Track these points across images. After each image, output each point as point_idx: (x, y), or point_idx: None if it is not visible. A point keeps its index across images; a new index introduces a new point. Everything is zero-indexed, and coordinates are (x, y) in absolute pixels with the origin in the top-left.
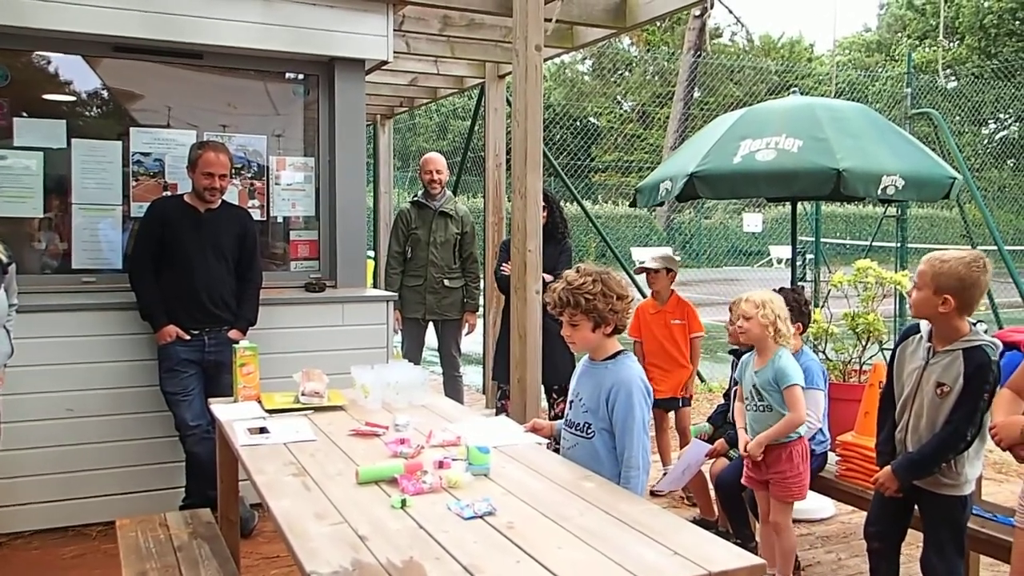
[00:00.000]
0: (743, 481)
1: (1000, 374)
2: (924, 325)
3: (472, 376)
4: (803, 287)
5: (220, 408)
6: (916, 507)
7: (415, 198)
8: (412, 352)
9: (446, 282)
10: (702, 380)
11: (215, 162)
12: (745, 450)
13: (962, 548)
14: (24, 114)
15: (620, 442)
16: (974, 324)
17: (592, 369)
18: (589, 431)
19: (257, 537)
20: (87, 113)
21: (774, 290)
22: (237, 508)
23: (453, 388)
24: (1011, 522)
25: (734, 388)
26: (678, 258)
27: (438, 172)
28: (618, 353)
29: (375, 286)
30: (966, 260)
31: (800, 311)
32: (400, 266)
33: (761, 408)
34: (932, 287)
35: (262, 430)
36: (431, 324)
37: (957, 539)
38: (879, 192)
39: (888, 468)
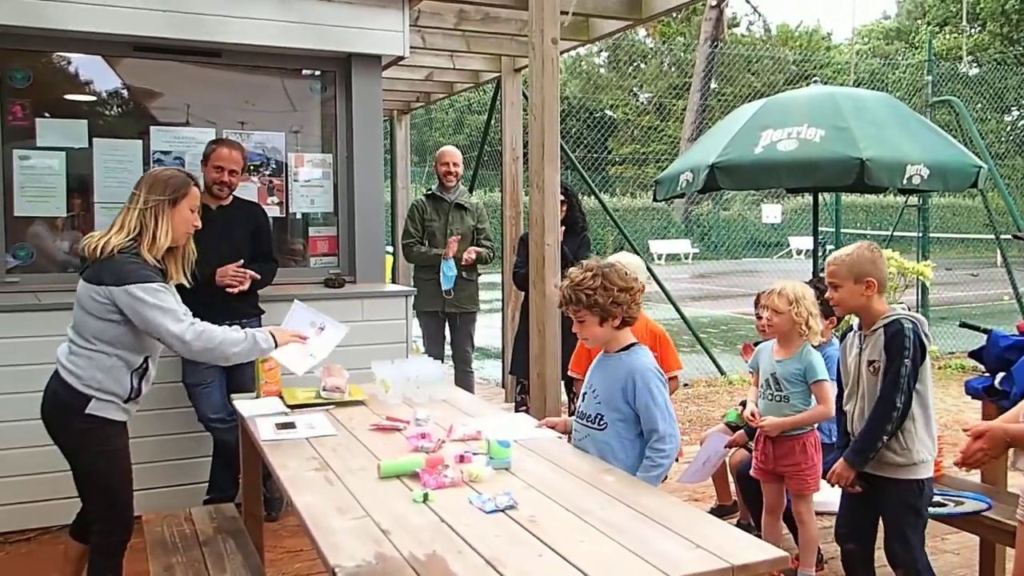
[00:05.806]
0: (752, 473)
1: (924, 345)
2: (856, 321)
3: (491, 370)
4: (823, 278)
5: (242, 403)
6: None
7: (429, 191)
8: (433, 347)
9: (463, 274)
10: (722, 373)
11: (226, 157)
12: (754, 419)
13: (923, 534)
14: (46, 114)
15: (649, 422)
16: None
17: (606, 361)
18: (601, 423)
19: (280, 531)
20: (108, 112)
21: (807, 282)
22: (261, 503)
23: (464, 384)
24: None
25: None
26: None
27: (455, 164)
28: (631, 344)
29: (394, 281)
30: (863, 245)
31: None
32: (419, 245)
33: (778, 398)
34: (852, 278)
35: (288, 425)
36: (446, 319)
37: (917, 525)
38: (904, 182)
39: (840, 460)
